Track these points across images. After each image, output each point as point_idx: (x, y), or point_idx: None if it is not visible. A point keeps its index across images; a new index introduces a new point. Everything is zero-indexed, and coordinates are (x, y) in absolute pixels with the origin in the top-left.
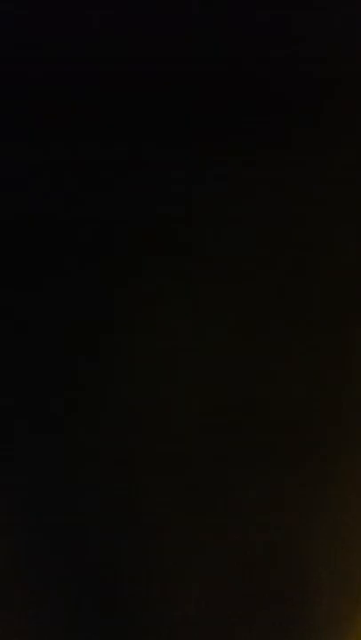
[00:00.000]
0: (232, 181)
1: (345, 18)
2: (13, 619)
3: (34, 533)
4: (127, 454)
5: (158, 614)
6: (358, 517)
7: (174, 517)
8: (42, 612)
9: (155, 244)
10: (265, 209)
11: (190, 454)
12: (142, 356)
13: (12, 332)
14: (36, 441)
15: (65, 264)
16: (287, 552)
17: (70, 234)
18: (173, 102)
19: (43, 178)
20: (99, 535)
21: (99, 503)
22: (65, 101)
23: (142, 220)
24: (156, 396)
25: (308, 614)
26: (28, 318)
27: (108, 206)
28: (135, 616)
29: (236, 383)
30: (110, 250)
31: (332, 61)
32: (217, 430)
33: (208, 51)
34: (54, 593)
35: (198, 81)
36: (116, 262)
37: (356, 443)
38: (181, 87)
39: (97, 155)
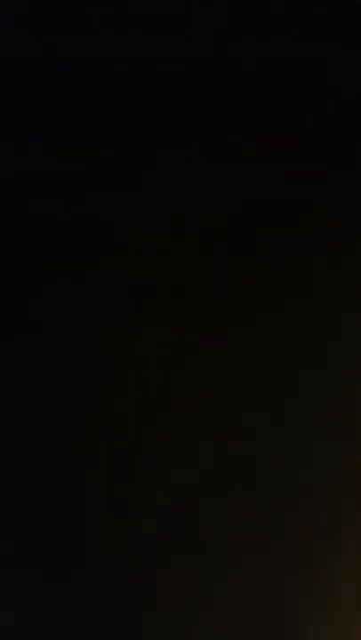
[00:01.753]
0: (232, 181)
1: (345, 18)
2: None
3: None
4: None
5: None
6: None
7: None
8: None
9: (156, 243)
10: (265, 207)
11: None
12: (141, 357)
13: (13, 333)
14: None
15: (65, 264)
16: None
17: (70, 234)
18: (173, 102)
19: (43, 178)
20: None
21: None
22: (65, 101)
23: (142, 219)
24: (157, 402)
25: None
26: (28, 318)
27: (109, 206)
28: None
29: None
30: (110, 250)
31: (333, 62)
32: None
33: (208, 51)
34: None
35: (198, 81)
36: (117, 262)
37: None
38: (181, 87)
39: (97, 154)
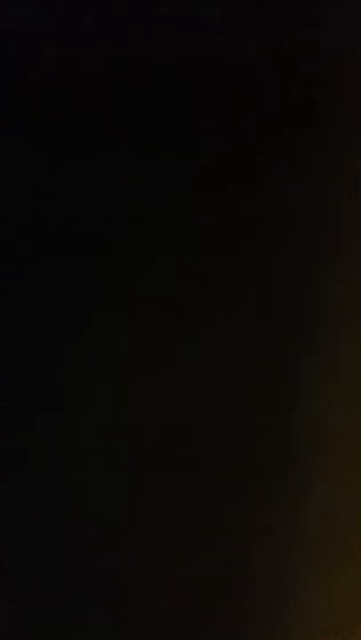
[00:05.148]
0: (232, 180)
1: (344, 19)
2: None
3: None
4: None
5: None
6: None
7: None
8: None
9: (153, 243)
10: (263, 209)
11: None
12: (139, 354)
13: (11, 330)
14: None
15: (64, 263)
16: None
17: (70, 234)
18: (173, 102)
19: (43, 178)
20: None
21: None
22: (65, 101)
23: (142, 219)
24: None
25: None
26: (27, 316)
27: (109, 206)
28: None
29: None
30: (110, 249)
31: (332, 61)
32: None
33: (208, 51)
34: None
35: (198, 81)
36: (116, 262)
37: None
38: (181, 87)
39: (97, 154)
